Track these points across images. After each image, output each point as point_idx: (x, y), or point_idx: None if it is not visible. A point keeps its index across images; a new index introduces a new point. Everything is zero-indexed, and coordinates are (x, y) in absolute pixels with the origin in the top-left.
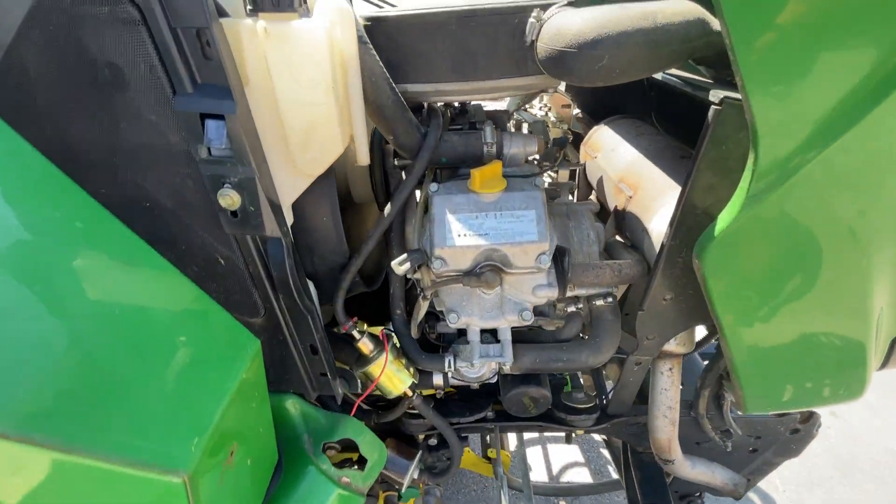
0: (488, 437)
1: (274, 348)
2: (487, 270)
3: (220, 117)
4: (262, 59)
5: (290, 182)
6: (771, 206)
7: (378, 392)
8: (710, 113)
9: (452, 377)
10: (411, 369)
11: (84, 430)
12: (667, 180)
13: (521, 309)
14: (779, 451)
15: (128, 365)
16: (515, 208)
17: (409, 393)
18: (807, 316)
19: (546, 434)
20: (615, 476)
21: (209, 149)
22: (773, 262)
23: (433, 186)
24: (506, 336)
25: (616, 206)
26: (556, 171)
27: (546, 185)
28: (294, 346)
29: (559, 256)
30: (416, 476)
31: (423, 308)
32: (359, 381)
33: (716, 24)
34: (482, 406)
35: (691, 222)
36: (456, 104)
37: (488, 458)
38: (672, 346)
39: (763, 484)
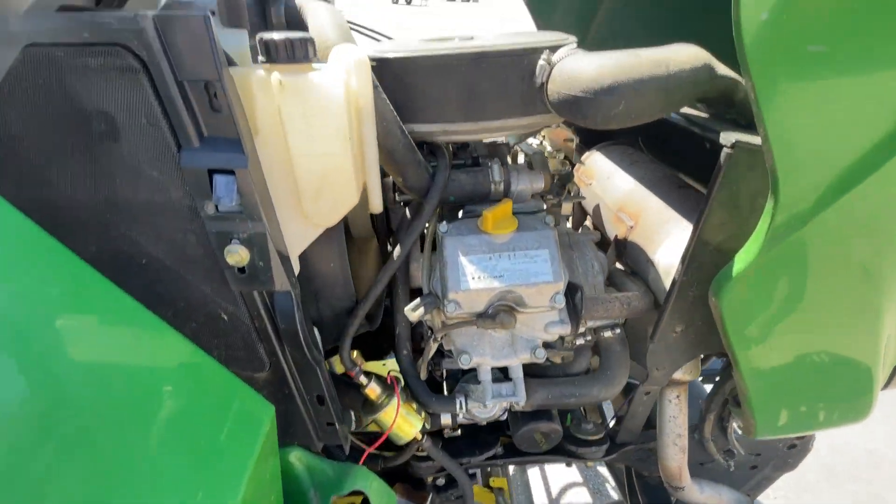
0: (489, 467)
1: (278, 402)
2: (502, 311)
3: (229, 172)
4: (275, 111)
5: (300, 233)
6: (789, 249)
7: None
8: (723, 156)
9: (463, 417)
10: (422, 413)
11: None
12: (669, 211)
13: (534, 347)
14: (777, 466)
15: (135, 456)
16: (528, 248)
17: (420, 437)
18: (821, 348)
19: None
20: (614, 496)
21: (217, 206)
22: (790, 299)
23: (443, 227)
24: (517, 374)
25: (616, 236)
26: (560, 205)
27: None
28: (300, 398)
29: (571, 293)
30: None
31: (432, 349)
32: (353, 415)
33: (720, 68)
34: (491, 443)
35: (703, 258)
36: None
37: (490, 488)
38: (679, 374)
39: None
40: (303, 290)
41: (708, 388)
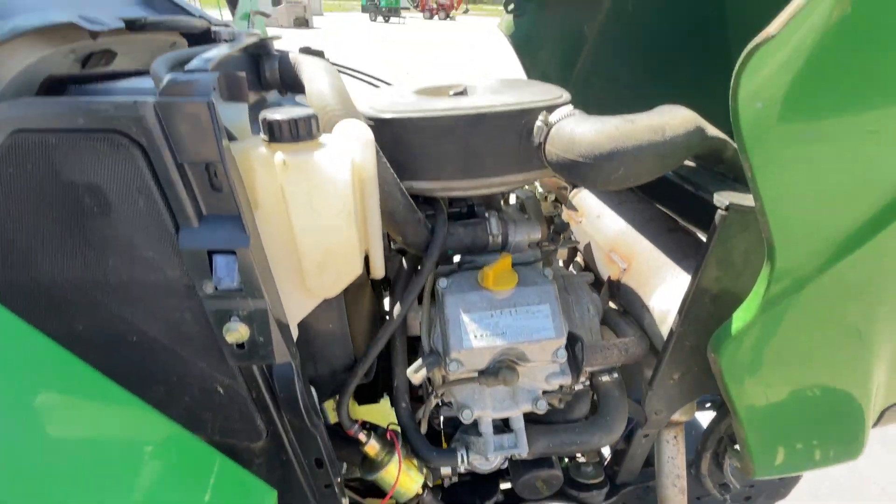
0: None
1: (275, 469)
2: (505, 368)
3: (230, 251)
4: (278, 189)
5: (301, 304)
6: (785, 311)
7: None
8: (717, 217)
9: (464, 468)
10: (423, 469)
11: None
12: (661, 256)
13: (535, 397)
14: (770, 496)
15: None
16: (530, 304)
17: (421, 491)
18: (816, 397)
19: None
20: None
21: (216, 286)
22: (787, 356)
23: (443, 282)
24: (519, 425)
25: (610, 277)
26: (556, 251)
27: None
28: (297, 463)
29: (571, 343)
30: None
31: (432, 404)
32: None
33: (710, 129)
34: (491, 491)
35: (699, 311)
36: None
37: None
38: (676, 415)
39: None
40: (301, 352)
41: (700, 415)
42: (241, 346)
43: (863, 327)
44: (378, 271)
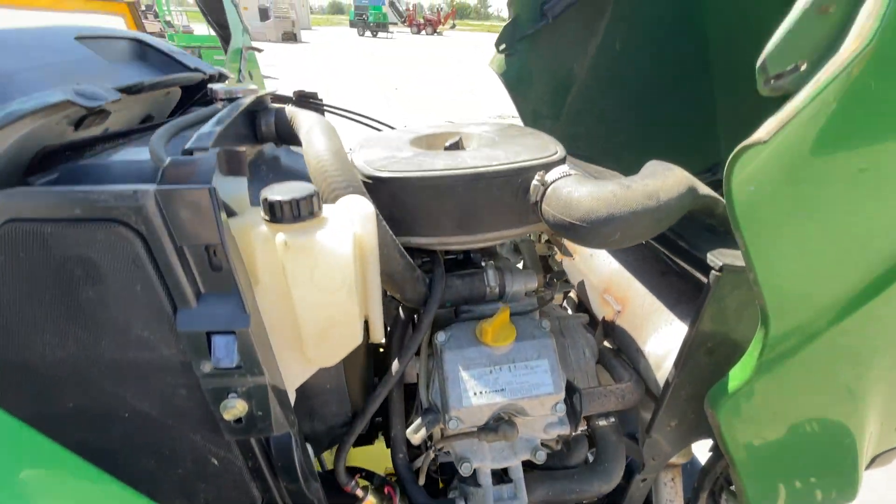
0: None
1: None
2: (504, 423)
3: (229, 331)
4: (278, 266)
5: (300, 372)
6: (779, 373)
7: None
8: (711, 277)
9: None
10: None
11: None
12: (655, 301)
13: (533, 447)
14: None
15: None
16: (528, 359)
17: None
18: (812, 449)
19: None
20: None
21: (215, 366)
22: (782, 412)
23: (441, 336)
24: (518, 475)
25: (604, 318)
26: (553, 298)
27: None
28: None
29: (570, 394)
30: None
31: (430, 457)
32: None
33: (702, 188)
34: None
35: (694, 363)
36: None
37: None
38: (673, 458)
39: None
40: (298, 409)
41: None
42: (238, 420)
43: (854, 387)
44: (378, 336)
